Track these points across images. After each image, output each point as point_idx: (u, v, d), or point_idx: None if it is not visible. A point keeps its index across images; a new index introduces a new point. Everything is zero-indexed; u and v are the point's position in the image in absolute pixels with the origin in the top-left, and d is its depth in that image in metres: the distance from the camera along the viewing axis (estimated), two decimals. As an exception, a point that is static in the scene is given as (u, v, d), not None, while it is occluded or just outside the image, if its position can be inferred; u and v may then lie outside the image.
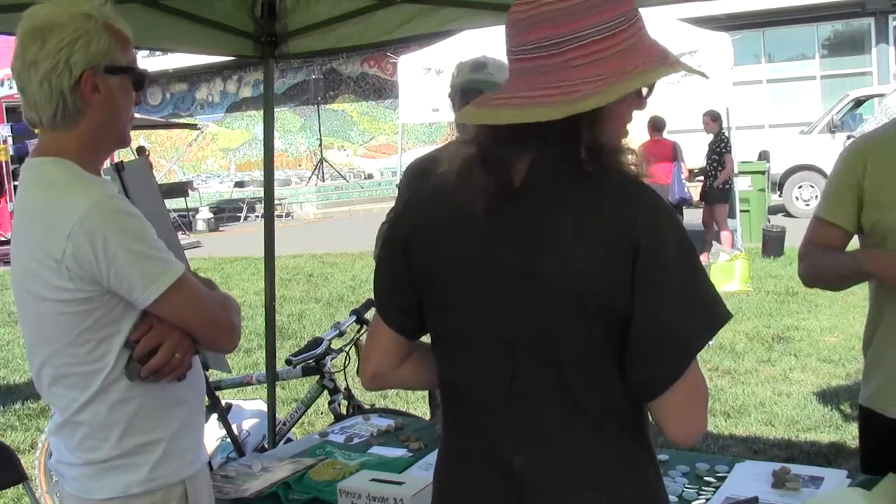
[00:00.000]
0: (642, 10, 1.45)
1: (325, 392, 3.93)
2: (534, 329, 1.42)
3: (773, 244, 10.87)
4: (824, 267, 2.40)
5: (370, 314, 2.95)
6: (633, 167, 1.42)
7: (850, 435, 4.89)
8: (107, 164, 2.21)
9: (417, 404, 5.59)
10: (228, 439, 3.92)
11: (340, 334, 3.86)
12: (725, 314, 1.40)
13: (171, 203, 17.40)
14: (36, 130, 1.87)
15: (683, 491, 2.31)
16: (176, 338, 1.83)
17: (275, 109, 3.90)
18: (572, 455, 1.43)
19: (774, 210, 14.28)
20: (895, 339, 2.33)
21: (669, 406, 1.41)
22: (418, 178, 3.22)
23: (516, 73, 1.43)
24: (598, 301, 1.38)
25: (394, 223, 1.61)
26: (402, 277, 1.54)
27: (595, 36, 1.37)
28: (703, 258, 10.11)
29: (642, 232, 1.36)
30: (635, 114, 1.49)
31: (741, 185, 11.51)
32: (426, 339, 1.62)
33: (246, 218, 20.06)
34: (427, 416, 4.16)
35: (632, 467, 1.45)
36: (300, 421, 4.28)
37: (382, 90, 23.88)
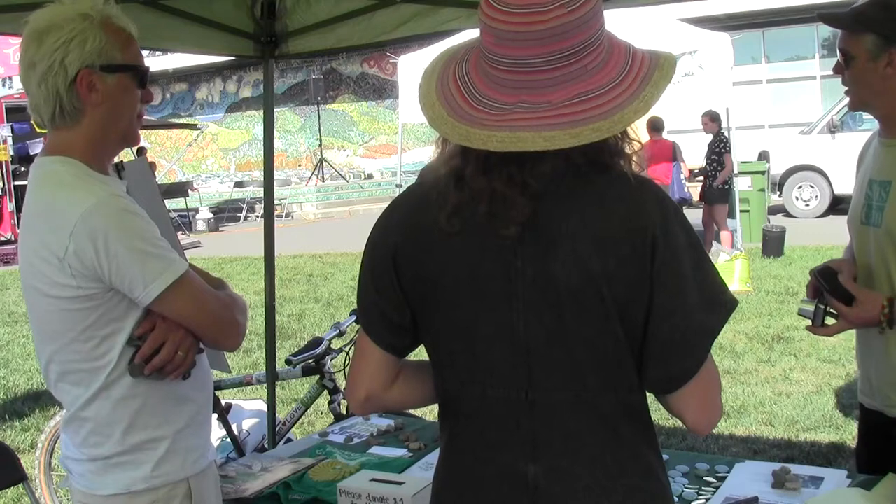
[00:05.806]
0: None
1: (325, 392, 3.93)
2: (551, 334, 1.39)
3: (772, 244, 10.87)
4: None
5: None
6: (633, 165, 1.41)
7: (850, 435, 4.89)
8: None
9: (417, 404, 5.58)
10: (228, 439, 3.92)
11: (340, 334, 3.87)
12: (734, 300, 1.43)
13: (171, 203, 17.42)
14: (39, 130, 1.89)
15: (683, 491, 2.31)
16: (179, 336, 1.84)
17: (275, 109, 3.90)
18: (588, 462, 1.42)
19: (774, 210, 14.29)
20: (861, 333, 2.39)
21: (689, 397, 1.42)
22: None
23: (521, 85, 1.34)
24: (619, 300, 1.36)
25: (379, 240, 1.50)
26: (393, 294, 1.47)
27: (593, 45, 1.34)
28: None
29: (655, 228, 1.35)
30: None
31: (741, 185, 11.50)
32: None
33: (246, 218, 20.06)
34: (426, 417, 4.16)
35: (644, 470, 1.45)
36: (300, 421, 4.29)
37: (382, 90, 23.88)
